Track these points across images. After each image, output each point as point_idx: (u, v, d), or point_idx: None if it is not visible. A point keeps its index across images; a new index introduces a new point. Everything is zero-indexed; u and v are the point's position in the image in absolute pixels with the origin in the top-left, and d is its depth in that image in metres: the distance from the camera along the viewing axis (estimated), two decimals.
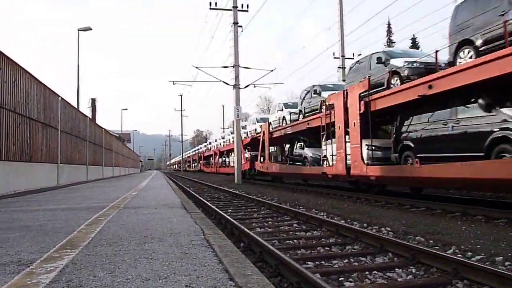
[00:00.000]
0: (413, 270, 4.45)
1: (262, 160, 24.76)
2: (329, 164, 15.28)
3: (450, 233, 6.56)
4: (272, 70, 27.92)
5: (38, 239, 4.12)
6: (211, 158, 51.57)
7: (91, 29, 25.85)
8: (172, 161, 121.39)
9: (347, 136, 13.68)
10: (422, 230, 6.77)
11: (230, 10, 25.91)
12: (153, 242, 3.85)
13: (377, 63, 12.98)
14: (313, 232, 6.98)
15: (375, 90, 12.56)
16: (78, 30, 25.61)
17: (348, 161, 13.57)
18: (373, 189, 13.76)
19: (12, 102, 12.33)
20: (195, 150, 76.25)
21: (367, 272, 4.35)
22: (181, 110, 73.77)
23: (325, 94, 16.73)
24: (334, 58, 28.54)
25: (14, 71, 12.63)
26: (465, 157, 8.77)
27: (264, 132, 24.01)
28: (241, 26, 26.06)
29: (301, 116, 19.80)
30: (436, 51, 10.88)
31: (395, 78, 11.95)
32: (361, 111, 12.68)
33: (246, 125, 35.09)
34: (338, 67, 28.29)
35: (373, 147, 12.94)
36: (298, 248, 5.58)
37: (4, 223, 5.42)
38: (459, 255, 4.91)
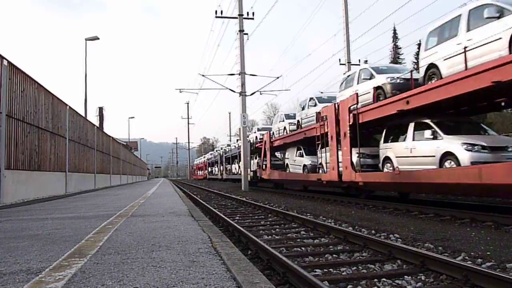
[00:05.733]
0: (423, 278, 4.42)
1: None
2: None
3: (459, 239, 6.51)
4: (278, 77, 28.07)
5: (47, 247, 4.14)
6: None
7: (98, 38, 26.10)
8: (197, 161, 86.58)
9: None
10: (431, 237, 6.72)
11: (236, 18, 26.06)
12: (160, 250, 3.86)
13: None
14: (321, 239, 6.95)
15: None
16: (86, 40, 25.86)
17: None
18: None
19: (21, 112, 12.45)
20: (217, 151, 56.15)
21: (375, 280, 4.33)
22: (188, 118, 74.30)
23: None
24: (340, 64, 28.52)
25: (22, 81, 12.76)
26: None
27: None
28: (246, 34, 26.22)
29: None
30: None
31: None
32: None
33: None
34: (344, 73, 28.25)
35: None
36: (306, 256, 5.56)
37: (13, 232, 5.45)
38: (469, 262, 4.87)
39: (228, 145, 46.27)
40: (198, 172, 79.20)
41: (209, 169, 60.64)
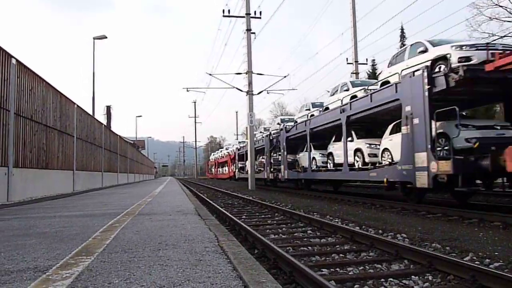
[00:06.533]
0: (430, 278, 4.39)
1: None
2: None
3: (467, 239, 6.46)
4: (285, 76, 28.12)
5: (54, 245, 4.16)
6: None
7: (106, 37, 26.23)
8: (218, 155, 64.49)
9: None
10: (438, 237, 6.68)
11: (243, 17, 26.08)
12: (167, 249, 3.86)
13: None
14: (328, 238, 6.92)
15: None
16: (94, 39, 25.99)
17: None
18: None
19: (29, 110, 12.53)
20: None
21: (382, 280, 4.30)
22: (195, 117, 74.35)
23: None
24: (348, 63, 28.48)
25: (30, 79, 12.85)
26: None
27: None
28: (254, 33, 26.23)
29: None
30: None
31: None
32: None
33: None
34: (352, 73, 28.20)
35: None
36: (312, 255, 5.55)
37: (21, 230, 5.49)
38: (477, 262, 4.83)
39: (283, 120, 27.98)
40: (218, 169, 60.86)
41: (240, 165, 40.51)
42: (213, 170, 67.62)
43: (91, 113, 23.56)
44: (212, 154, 69.87)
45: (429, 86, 10.29)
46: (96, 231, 5.12)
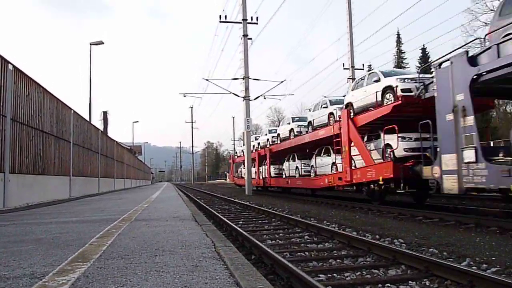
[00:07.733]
0: (427, 283, 4.39)
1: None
2: None
3: (464, 244, 6.47)
4: (282, 82, 28.15)
5: (51, 251, 4.15)
6: None
7: (103, 43, 26.26)
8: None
9: None
10: (435, 242, 6.68)
11: (240, 22, 26.13)
12: (164, 255, 3.85)
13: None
14: (325, 244, 6.91)
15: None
16: (90, 44, 26.00)
17: None
18: None
19: (25, 116, 12.51)
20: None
21: (380, 285, 4.30)
22: (192, 122, 74.44)
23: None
24: (344, 69, 28.55)
25: (27, 85, 12.83)
26: None
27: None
28: (250, 39, 26.26)
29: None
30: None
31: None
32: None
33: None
34: (348, 78, 28.28)
35: None
36: (309, 261, 5.54)
37: (17, 236, 5.46)
38: (474, 267, 4.83)
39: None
40: (265, 167, 27.58)
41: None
42: (240, 170, 36.45)
43: (87, 118, 23.54)
44: (237, 146, 43.77)
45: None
46: (93, 237, 5.10)
